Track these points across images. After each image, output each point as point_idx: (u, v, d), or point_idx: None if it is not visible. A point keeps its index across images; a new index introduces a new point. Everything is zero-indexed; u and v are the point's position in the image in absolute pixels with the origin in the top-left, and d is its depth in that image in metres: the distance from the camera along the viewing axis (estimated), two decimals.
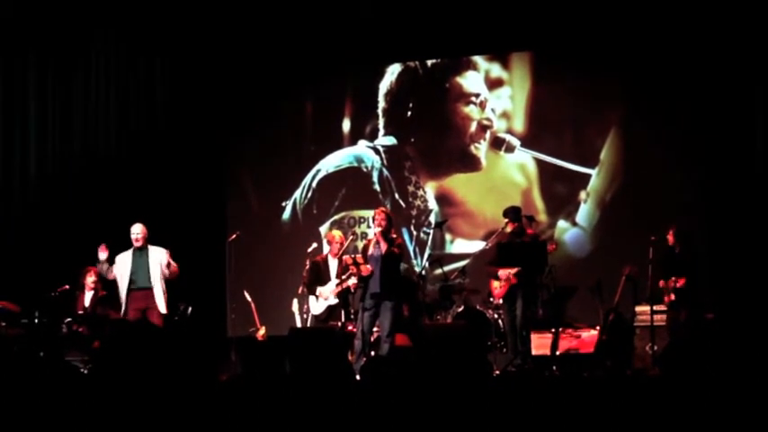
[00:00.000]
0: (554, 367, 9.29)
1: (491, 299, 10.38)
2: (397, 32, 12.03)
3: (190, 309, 10.65)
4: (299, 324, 10.30)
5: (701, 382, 4.55)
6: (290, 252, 11.70)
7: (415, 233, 12.31)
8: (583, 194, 11.75)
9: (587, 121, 11.85)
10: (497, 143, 12.07)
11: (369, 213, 12.03)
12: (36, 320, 9.71)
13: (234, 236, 11.29)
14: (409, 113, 12.50)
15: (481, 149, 12.11)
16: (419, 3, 11.86)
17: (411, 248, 12.19)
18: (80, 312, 10.04)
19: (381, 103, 12.57)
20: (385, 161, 12.49)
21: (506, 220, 9.59)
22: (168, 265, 9.63)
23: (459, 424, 4.24)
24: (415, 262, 12.09)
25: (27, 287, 10.24)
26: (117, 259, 9.68)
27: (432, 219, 12.23)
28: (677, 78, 11.21)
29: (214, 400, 4.57)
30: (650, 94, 11.38)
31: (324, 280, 10.32)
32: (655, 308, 9.57)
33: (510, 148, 12.03)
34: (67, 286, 10.07)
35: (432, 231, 12.17)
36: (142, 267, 9.59)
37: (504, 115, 12.12)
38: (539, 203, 11.86)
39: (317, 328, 9.93)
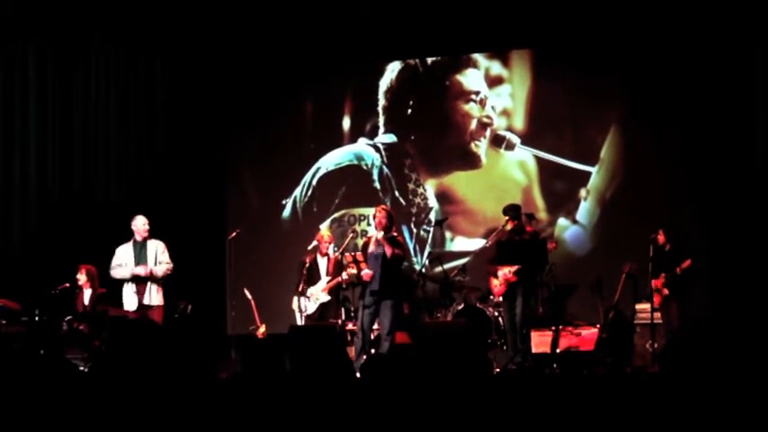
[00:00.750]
0: (554, 365, 9.28)
1: (491, 297, 10.39)
2: (398, 30, 12.02)
3: (190, 306, 10.66)
4: (299, 322, 10.30)
5: (702, 379, 4.55)
6: (290, 250, 11.70)
7: (415, 231, 12.31)
8: (583, 192, 11.75)
9: (587, 119, 11.85)
10: (497, 141, 12.07)
11: (369, 211, 12.03)
12: (36, 318, 9.72)
13: (234, 234, 11.30)
14: (409, 111, 12.50)
15: (481, 147, 12.11)
16: (419, 0, 11.85)
17: (411, 246, 12.19)
18: (80, 310, 10.04)
19: (381, 101, 12.57)
20: (385, 159, 12.49)
21: (506, 217, 9.58)
22: (163, 254, 9.64)
23: (459, 422, 4.24)
24: (415, 260, 12.09)
25: (27, 285, 10.24)
26: (118, 251, 9.70)
27: (432, 216, 12.23)
28: (677, 77, 11.21)
29: (214, 397, 4.57)
30: (650, 92, 11.38)
31: (314, 279, 10.33)
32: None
33: (510, 146, 12.02)
34: (68, 284, 10.07)
35: (432, 229, 12.17)
36: (143, 259, 9.61)
37: (505, 113, 12.12)
38: (539, 201, 11.85)
39: (316, 326, 9.93)
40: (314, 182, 12.70)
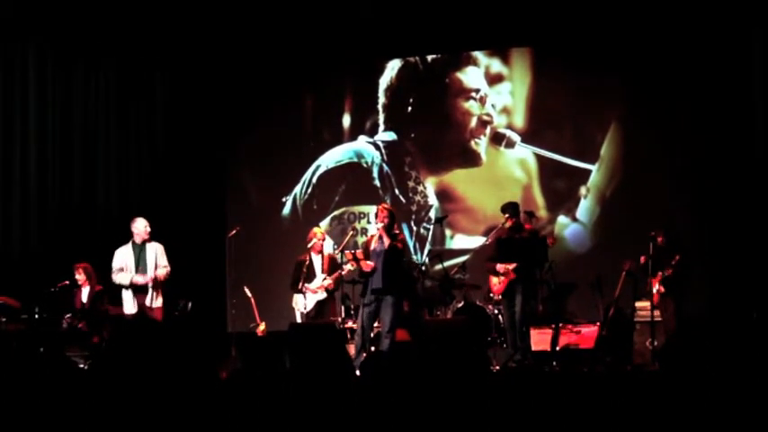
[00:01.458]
0: (554, 363, 9.30)
1: (491, 294, 10.39)
2: (398, 28, 12.03)
3: (190, 304, 10.67)
4: (299, 319, 10.30)
5: (701, 377, 4.55)
6: (290, 248, 11.69)
7: (415, 229, 12.31)
8: (583, 190, 11.75)
9: (587, 117, 11.85)
10: (497, 139, 12.07)
11: (369, 209, 12.04)
12: (36, 316, 9.71)
13: (234, 231, 11.31)
14: (409, 109, 12.50)
15: (481, 145, 12.10)
16: None
17: (411, 244, 12.19)
18: (78, 308, 10.04)
19: (381, 99, 12.57)
20: (385, 157, 12.49)
21: (505, 215, 9.58)
22: (162, 256, 9.62)
23: (459, 420, 4.24)
24: (415, 258, 12.09)
25: (27, 283, 10.24)
26: (117, 254, 9.64)
27: (432, 214, 12.23)
28: (677, 76, 11.21)
29: (214, 395, 4.57)
30: (650, 91, 11.38)
31: (309, 277, 10.32)
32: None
33: (510, 144, 12.02)
34: (67, 282, 10.07)
35: (432, 227, 12.18)
36: (143, 261, 9.57)
37: (505, 111, 12.12)
38: (539, 199, 11.85)
39: (316, 324, 9.93)
40: (314, 179, 12.70)
